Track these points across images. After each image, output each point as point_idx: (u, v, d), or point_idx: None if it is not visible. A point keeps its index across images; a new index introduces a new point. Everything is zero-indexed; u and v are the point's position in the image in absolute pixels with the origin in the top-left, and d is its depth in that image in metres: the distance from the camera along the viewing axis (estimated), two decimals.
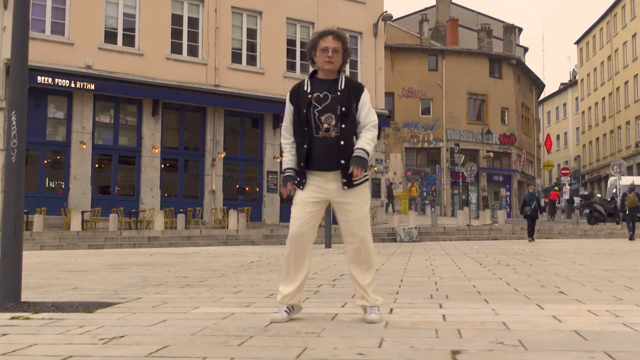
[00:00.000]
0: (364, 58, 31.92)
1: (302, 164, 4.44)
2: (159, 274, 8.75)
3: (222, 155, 28.45)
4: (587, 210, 31.05)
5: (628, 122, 62.91)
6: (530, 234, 21.41)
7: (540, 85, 59.79)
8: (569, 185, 48.75)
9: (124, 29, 26.62)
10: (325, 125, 4.37)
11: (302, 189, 4.47)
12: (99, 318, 4.74)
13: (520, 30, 55.98)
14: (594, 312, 4.81)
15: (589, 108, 73.85)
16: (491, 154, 46.17)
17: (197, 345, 3.65)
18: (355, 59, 31.77)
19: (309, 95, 4.44)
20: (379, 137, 32.58)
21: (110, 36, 26.30)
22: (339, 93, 4.42)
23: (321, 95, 4.43)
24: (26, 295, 5.88)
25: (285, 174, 4.50)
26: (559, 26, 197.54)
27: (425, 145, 45.26)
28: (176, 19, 27.67)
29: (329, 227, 17.74)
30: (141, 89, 26.28)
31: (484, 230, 25.12)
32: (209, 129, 28.26)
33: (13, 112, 5.39)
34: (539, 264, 10.41)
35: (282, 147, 4.58)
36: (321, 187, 4.44)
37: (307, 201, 4.45)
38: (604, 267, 9.62)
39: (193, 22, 28.00)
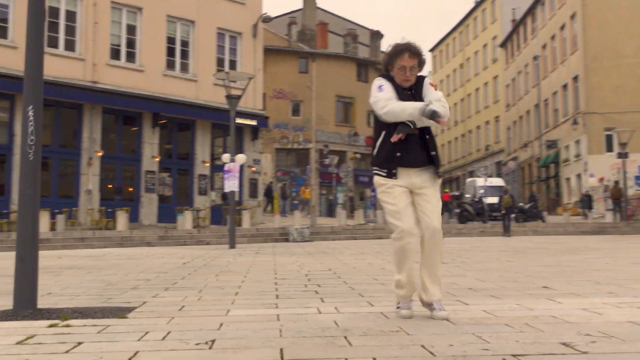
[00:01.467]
0: (244, 59, 31.84)
1: (397, 154, 4.51)
2: (113, 278, 8.44)
3: (99, 154, 27.45)
4: (457, 210, 32.63)
5: (479, 127, 66.61)
6: None
7: None
8: None
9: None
10: (398, 136, 4.51)
11: (395, 179, 4.55)
12: (145, 323, 4.59)
13: (383, 36, 57.77)
14: (612, 305, 5.21)
15: None
16: (358, 156, 47.39)
17: (307, 346, 3.67)
18: (235, 59, 31.65)
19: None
20: (257, 137, 32.72)
21: None
22: (408, 92, 4.60)
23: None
24: (6, 302, 5.51)
25: (429, 109, 4.37)
26: (414, 33, 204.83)
27: (295, 146, 45.79)
28: (53, 12, 26.39)
29: (233, 226, 17.63)
30: (14, 83, 24.77)
31: (368, 229, 25.81)
32: (85, 127, 27.16)
33: (30, 107, 5.09)
34: (469, 261, 10.93)
35: (389, 102, 4.45)
36: (408, 180, 4.56)
37: (403, 192, 4.54)
38: (534, 263, 10.27)
39: (70, 16, 26.82)
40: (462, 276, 8.03)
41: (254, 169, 32.42)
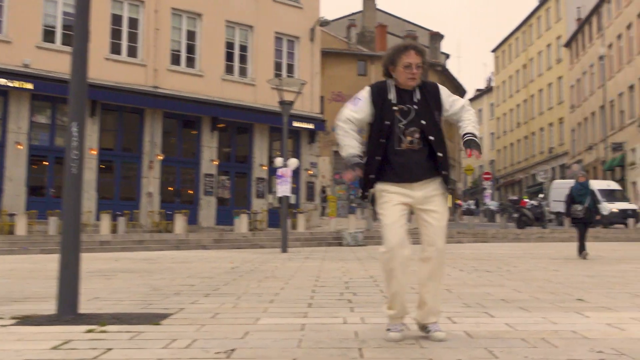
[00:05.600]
0: (301, 62, 32.19)
1: (371, 177, 4.37)
2: (161, 282, 8.74)
3: (160, 157, 28.13)
4: (516, 215, 32.21)
5: (542, 129, 65.51)
6: (583, 248, 14.39)
7: (462, 92, 61.52)
8: (489, 189, 50.37)
9: (63, 28, 25.99)
10: (409, 138, 4.33)
11: (366, 201, 4.52)
12: (176, 330, 4.81)
13: (442, 37, 57.44)
14: (639, 320, 5.20)
15: (504, 114, 76.48)
16: None
17: (320, 357, 3.82)
18: (292, 63, 32.02)
19: (394, 108, 4.39)
20: (314, 140, 33.02)
21: (49, 35, 25.63)
22: (416, 107, 4.39)
23: (405, 108, 4.39)
24: (50, 307, 5.76)
25: (353, 162, 4.38)
26: (475, 34, 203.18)
27: None
28: (116, 19, 27.22)
29: (285, 230, 17.87)
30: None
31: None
32: (147, 131, 27.90)
33: (74, 124, 5.38)
34: (514, 270, 10.90)
35: (343, 131, 4.45)
36: (406, 194, 4.36)
37: (397, 205, 4.36)
38: (580, 272, 10.18)
39: (133, 23, 27.59)
40: (500, 286, 8.05)
41: (310, 172, 32.71)
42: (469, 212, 52.27)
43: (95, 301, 6.74)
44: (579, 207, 14.28)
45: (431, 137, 4.37)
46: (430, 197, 4.39)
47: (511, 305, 6.16)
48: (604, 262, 13.19)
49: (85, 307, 6.19)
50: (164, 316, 5.52)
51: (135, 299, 6.89)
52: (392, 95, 4.44)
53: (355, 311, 5.78)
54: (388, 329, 4.42)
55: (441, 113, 4.52)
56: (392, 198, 4.36)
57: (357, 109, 4.49)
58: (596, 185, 33.74)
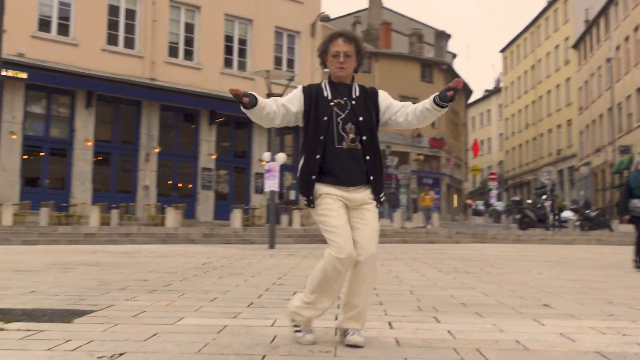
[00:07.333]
0: (301, 58, 31.71)
1: (313, 177, 3.97)
2: (115, 277, 8.32)
3: (157, 150, 27.75)
4: (518, 216, 31.61)
5: (550, 130, 64.75)
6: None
7: (468, 91, 60.87)
8: (496, 190, 49.77)
9: (58, 18, 25.65)
10: (351, 136, 3.96)
11: (312, 207, 4.01)
12: (81, 330, 4.38)
13: (449, 36, 56.81)
14: (597, 330, 4.72)
15: (513, 115, 75.70)
16: (421, 157, 46.68)
17: None
18: (292, 58, 31.57)
19: (331, 103, 4.03)
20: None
21: (44, 24, 25.28)
22: (354, 102, 4.05)
23: (342, 102, 4.04)
24: None
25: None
26: (485, 34, 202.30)
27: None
28: (113, 10, 26.82)
29: (273, 226, 17.42)
30: (75, 79, 25.38)
31: (420, 233, 25.24)
32: (143, 123, 27.50)
33: None
34: (496, 271, 10.41)
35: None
36: (344, 197, 3.99)
37: (341, 207, 3.97)
38: (564, 277, 9.68)
39: (130, 14, 27.18)
40: (469, 289, 7.57)
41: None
42: (477, 213, 51.80)
43: (29, 295, 6.31)
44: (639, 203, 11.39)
45: (364, 137, 4.00)
46: (364, 202, 4.03)
47: (468, 310, 5.69)
48: (594, 265, 12.66)
49: (13, 301, 5.79)
50: (83, 313, 5.09)
51: (72, 294, 6.45)
52: (327, 92, 4.11)
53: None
54: (299, 330, 4.04)
55: (378, 117, 4.15)
56: (335, 199, 3.99)
57: (291, 98, 4.13)
58: None
